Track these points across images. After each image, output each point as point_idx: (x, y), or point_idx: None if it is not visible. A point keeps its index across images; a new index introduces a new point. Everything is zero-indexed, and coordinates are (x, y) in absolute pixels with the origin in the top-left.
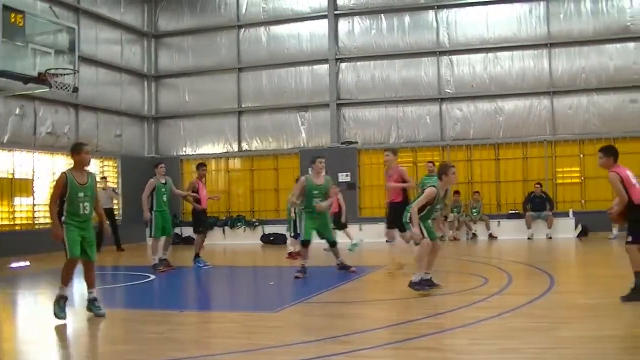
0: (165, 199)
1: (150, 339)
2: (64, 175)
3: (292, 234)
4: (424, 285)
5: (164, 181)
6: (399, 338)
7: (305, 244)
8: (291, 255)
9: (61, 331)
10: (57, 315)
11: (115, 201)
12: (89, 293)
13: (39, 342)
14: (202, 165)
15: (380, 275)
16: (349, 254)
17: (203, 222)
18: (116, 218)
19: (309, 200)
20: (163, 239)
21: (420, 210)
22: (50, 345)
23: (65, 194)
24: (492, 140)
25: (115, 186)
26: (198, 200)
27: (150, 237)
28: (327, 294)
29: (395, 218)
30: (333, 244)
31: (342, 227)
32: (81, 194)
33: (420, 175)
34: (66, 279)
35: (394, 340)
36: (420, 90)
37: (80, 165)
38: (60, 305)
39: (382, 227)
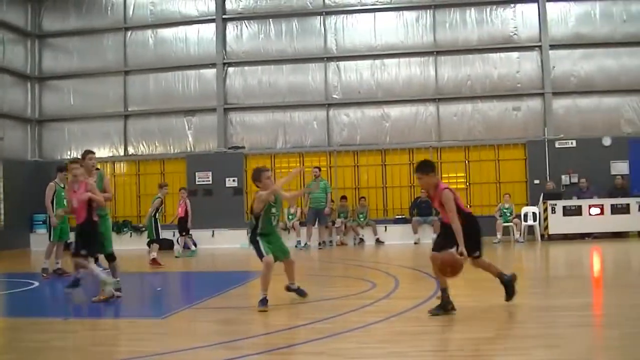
0: (65, 203)
1: (32, 347)
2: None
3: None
4: (265, 304)
5: (63, 185)
6: (287, 342)
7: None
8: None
9: None
10: None
11: None
12: None
13: None
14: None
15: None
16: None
17: None
18: None
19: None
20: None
21: (254, 227)
22: None
23: None
24: (379, 145)
25: None
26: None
27: (49, 240)
28: (214, 299)
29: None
30: None
31: (186, 232)
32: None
33: (307, 180)
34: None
35: (283, 344)
36: (307, 96)
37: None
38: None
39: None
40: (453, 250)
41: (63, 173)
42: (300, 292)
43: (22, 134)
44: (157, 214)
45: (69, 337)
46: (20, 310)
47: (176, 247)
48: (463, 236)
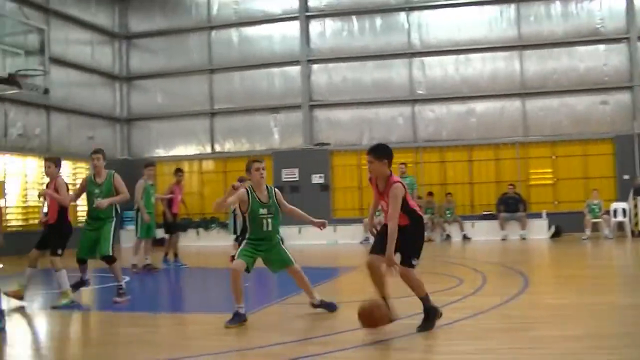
0: (152, 200)
1: (125, 341)
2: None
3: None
4: (239, 320)
5: (151, 182)
6: (375, 338)
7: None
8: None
9: (35, 333)
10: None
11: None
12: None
13: (11, 344)
14: (178, 170)
15: (356, 276)
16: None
17: (173, 226)
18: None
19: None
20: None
21: (243, 230)
22: (20, 347)
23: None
24: (465, 141)
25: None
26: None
27: (136, 237)
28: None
29: None
30: None
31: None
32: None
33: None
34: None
35: (370, 340)
36: (391, 92)
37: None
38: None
39: (356, 227)
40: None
41: (149, 169)
42: (329, 306)
43: (111, 132)
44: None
45: (159, 331)
46: (111, 304)
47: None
48: (408, 239)
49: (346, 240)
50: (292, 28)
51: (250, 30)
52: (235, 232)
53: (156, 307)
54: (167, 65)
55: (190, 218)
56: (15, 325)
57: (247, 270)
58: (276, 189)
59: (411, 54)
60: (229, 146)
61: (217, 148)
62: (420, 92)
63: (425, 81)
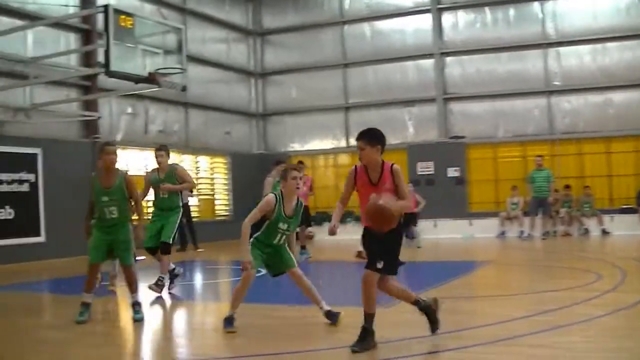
0: None
1: (262, 332)
2: (91, 178)
3: None
4: (231, 324)
5: (278, 179)
6: (509, 334)
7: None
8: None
9: (174, 323)
10: (76, 320)
11: (189, 197)
12: (131, 297)
13: (150, 332)
14: (299, 162)
15: (491, 271)
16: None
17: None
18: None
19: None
20: None
21: (256, 227)
22: (161, 336)
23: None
24: (603, 132)
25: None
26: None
27: None
28: (438, 289)
29: None
30: None
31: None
32: (104, 198)
33: (529, 169)
34: (88, 286)
35: (505, 336)
36: (527, 83)
37: (104, 166)
38: (81, 310)
39: (492, 221)
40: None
41: (279, 166)
42: (331, 316)
43: (247, 128)
44: None
45: (297, 323)
46: (251, 296)
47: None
48: (389, 241)
49: (482, 234)
50: (425, 21)
51: (382, 24)
52: None
53: (289, 299)
54: (300, 60)
55: (325, 212)
56: (151, 316)
57: (275, 275)
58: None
59: (546, 44)
60: None
61: (352, 142)
62: (556, 83)
63: (561, 72)
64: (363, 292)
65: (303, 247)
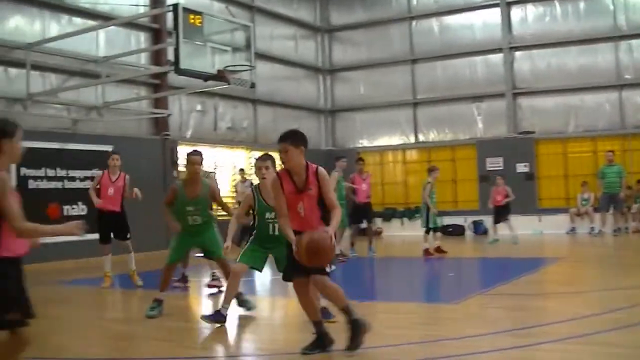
0: (343, 192)
1: (328, 328)
2: (175, 188)
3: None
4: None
5: (342, 174)
6: (579, 332)
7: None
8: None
9: (244, 317)
10: (147, 314)
11: None
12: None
13: (220, 326)
14: (359, 159)
15: (561, 267)
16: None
17: (353, 215)
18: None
19: None
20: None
21: (252, 228)
22: (231, 330)
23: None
24: None
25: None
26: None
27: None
28: (505, 285)
29: None
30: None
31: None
32: (190, 208)
33: (600, 165)
34: (163, 285)
35: (575, 334)
36: (597, 77)
37: (188, 176)
38: (152, 306)
39: (562, 217)
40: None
41: (343, 162)
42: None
43: (315, 124)
44: (430, 201)
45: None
46: None
47: (490, 232)
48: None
49: (551, 230)
50: (493, 15)
51: (450, 19)
52: (426, 225)
53: (358, 295)
54: (368, 56)
55: (394, 208)
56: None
57: (259, 269)
58: None
59: (618, 37)
60: (432, 136)
61: (421, 138)
62: (628, 76)
63: (633, 65)
64: (325, 293)
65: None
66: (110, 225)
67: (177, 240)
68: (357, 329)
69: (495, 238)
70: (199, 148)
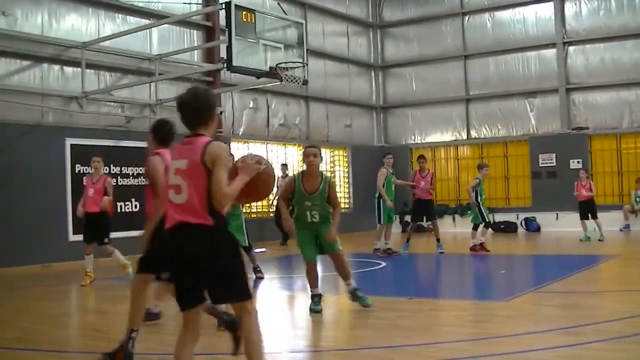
0: (393, 188)
1: (381, 324)
2: (291, 181)
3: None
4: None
5: (391, 170)
6: (631, 331)
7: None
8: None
9: (293, 314)
10: (314, 309)
11: None
12: (346, 285)
13: (271, 323)
14: (420, 156)
15: (615, 265)
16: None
17: (413, 211)
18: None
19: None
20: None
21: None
22: (280, 327)
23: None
24: None
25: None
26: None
27: (379, 223)
28: (558, 283)
29: None
30: None
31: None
32: (307, 203)
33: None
34: (311, 282)
35: (629, 333)
36: None
37: (307, 170)
38: (315, 301)
39: (616, 214)
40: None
41: (387, 158)
42: (355, 296)
43: (368, 120)
44: (480, 197)
45: (414, 316)
46: (368, 288)
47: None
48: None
49: (606, 227)
50: (547, 10)
51: (503, 15)
52: (475, 221)
53: (409, 292)
54: (421, 52)
55: (446, 204)
56: (274, 306)
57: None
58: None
59: None
60: (484, 132)
61: (473, 134)
62: None
63: None
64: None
65: (438, 240)
66: (91, 226)
67: (300, 238)
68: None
69: (587, 236)
70: (251, 145)
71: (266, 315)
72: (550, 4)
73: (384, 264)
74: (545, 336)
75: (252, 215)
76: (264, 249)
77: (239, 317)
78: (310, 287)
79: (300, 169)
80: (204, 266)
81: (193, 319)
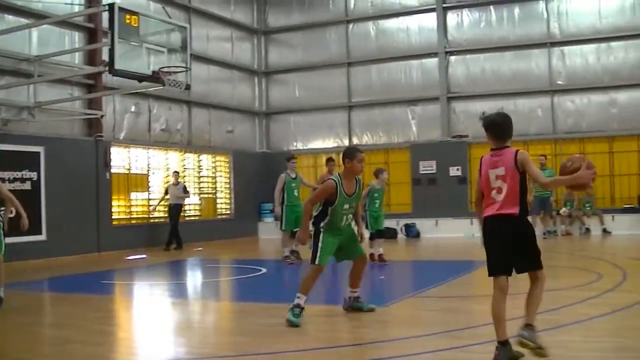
0: (296, 193)
1: (262, 331)
2: (334, 183)
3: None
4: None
5: (294, 175)
6: (511, 333)
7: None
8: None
9: (174, 321)
10: (292, 322)
11: (185, 199)
12: (352, 292)
13: (151, 330)
14: (329, 159)
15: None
16: None
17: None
18: (181, 216)
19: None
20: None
21: (322, 215)
22: (161, 334)
23: (331, 201)
24: (606, 132)
25: (186, 183)
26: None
27: (281, 230)
28: (437, 288)
29: None
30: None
31: None
32: (346, 206)
33: None
34: (307, 289)
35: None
36: (530, 83)
37: (351, 172)
38: (295, 312)
39: None
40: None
41: (291, 162)
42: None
43: (250, 126)
44: (372, 205)
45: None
46: (250, 295)
47: None
48: None
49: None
50: (429, 20)
51: (387, 23)
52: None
53: (291, 298)
54: (305, 59)
55: None
56: (157, 314)
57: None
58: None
59: (551, 43)
60: (366, 139)
61: (355, 141)
62: (560, 82)
63: (565, 71)
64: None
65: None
66: None
67: (325, 242)
68: None
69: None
70: (132, 150)
71: (146, 322)
72: (433, 14)
73: (264, 270)
74: (424, 340)
75: (132, 222)
76: (144, 255)
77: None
78: (304, 294)
79: (338, 173)
80: (517, 243)
81: (503, 283)
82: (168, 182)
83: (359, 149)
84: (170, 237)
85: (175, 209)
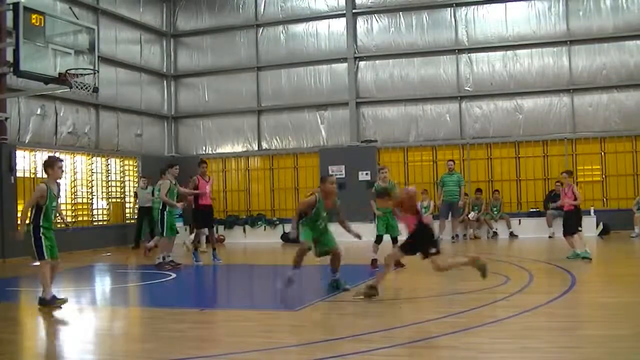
0: (175, 198)
1: (170, 336)
2: (314, 201)
3: None
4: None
5: (174, 181)
6: (420, 336)
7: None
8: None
9: (82, 328)
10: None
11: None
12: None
13: (58, 338)
14: (202, 162)
15: (400, 274)
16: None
17: (202, 218)
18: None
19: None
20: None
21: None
22: (68, 341)
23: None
24: (512, 138)
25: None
26: (197, 197)
27: (163, 235)
28: (348, 292)
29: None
30: None
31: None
32: (324, 214)
33: (440, 173)
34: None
35: (416, 338)
36: (439, 88)
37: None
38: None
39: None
40: None
41: (174, 168)
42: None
43: (159, 130)
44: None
45: (206, 327)
46: (159, 300)
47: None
48: None
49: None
50: (339, 25)
51: (297, 28)
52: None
53: (200, 303)
54: (214, 63)
55: (237, 215)
56: (64, 321)
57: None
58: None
59: (458, 50)
60: (276, 143)
61: (264, 145)
62: (468, 88)
63: (473, 78)
64: None
65: (214, 249)
66: None
67: (307, 239)
68: None
69: (575, 252)
70: (37, 154)
71: (53, 330)
72: (343, 20)
73: (174, 275)
74: (335, 344)
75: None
76: (109, 253)
77: None
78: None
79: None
80: None
81: None
82: (136, 186)
83: (329, 175)
84: (137, 237)
85: (143, 211)
